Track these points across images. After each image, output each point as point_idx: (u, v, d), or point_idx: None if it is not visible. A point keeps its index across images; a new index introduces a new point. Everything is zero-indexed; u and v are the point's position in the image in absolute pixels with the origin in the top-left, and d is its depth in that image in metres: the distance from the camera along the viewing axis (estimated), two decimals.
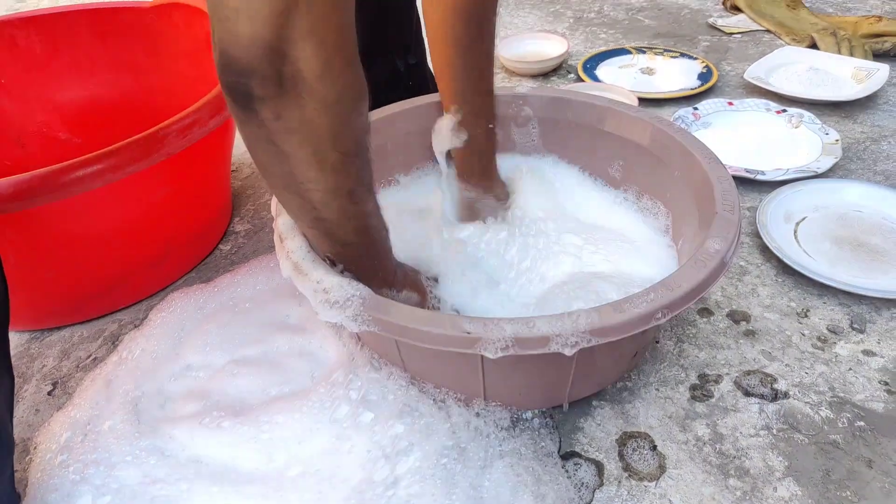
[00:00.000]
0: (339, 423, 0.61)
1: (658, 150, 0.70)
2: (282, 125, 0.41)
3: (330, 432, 0.60)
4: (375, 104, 0.79)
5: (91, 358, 0.76)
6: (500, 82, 1.27)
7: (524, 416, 0.62)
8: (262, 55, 0.38)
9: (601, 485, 0.56)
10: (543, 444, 0.60)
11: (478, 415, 0.61)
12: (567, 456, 0.59)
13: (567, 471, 0.57)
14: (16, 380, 0.73)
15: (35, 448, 0.64)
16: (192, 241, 0.86)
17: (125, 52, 1.03)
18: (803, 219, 0.83)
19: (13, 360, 0.75)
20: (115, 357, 0.74)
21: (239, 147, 1.11)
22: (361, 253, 0.54)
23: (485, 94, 0.72)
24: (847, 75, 1.12)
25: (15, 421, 0.60)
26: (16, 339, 0.79)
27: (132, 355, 0.74)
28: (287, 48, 0.38)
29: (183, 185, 0.80)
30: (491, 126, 0.73)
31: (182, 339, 0.75)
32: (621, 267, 0.68)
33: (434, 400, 0.62)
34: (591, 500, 0.55)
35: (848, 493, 0.55)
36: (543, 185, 0.76)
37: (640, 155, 0.73)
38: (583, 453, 0.59)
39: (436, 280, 0.67)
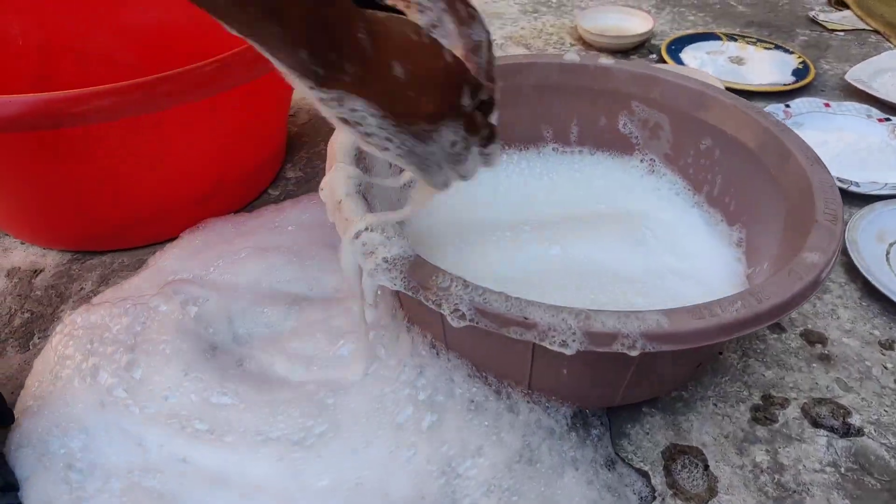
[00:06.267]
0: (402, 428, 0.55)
1: (757, 146, 0.63)
2: None
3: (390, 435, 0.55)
4: None
5: None
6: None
7: (580, 415, 0.57)
8: None
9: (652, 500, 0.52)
10: (605, 450, 0.55)
11: (545, 410, 0.57)
12: (611, 463, 0.54)
13: (627, 483, 0.53)
14: (53, 299, 0.72)
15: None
16: (241, 181, 0.84)
17: None
18: None
19: (54, 278, 0.75)
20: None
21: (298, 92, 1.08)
22: None
23: None
24: None
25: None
26: (58, 258, 0.78)
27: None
28: None
29: (239, 124, 0.77)
30: None
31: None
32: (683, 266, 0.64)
33: (498, 393, 0.57)
34: None
35: None
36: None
37: (731, 148, 0.66)
38: (627, 461, 0.54)
39: None
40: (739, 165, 0.65)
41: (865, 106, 0.97)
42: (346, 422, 0.55)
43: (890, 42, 1.21)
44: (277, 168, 0.92)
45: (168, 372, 0.60)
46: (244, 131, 0.80)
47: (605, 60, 0.74)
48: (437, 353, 0.59)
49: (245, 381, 0.60)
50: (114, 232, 0.78)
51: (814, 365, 0.63)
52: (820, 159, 0.58)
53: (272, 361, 0.63)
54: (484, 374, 0.57)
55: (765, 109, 0.96)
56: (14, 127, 0.60)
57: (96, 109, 0.61)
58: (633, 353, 0.42)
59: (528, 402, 0.57)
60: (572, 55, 0.74)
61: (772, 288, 0.45)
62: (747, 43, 1.19)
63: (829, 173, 0.56)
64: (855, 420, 0.58)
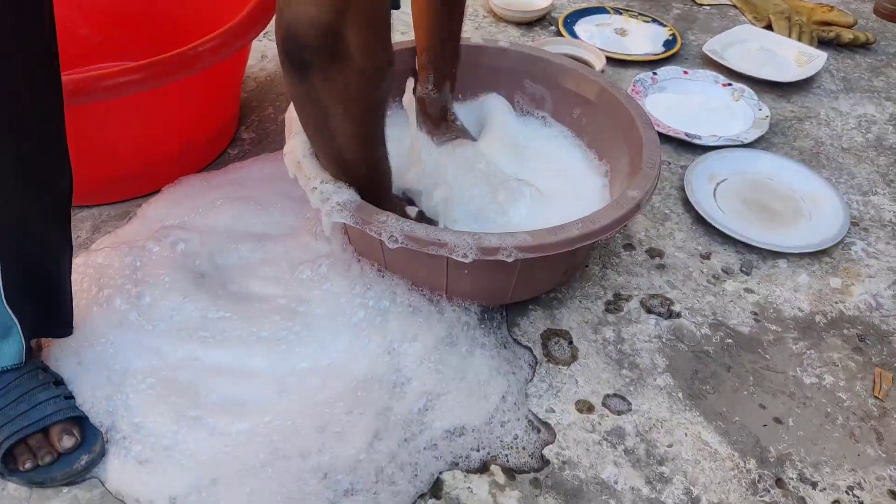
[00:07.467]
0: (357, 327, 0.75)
1: (607, 109, 0.85)
2: (326, 86, 0.55)
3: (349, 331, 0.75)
4: None
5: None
6: (488, 26, 1.39)
7: (487, 311, 0.79)
8: (319, 34, 0.51)
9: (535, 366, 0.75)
10: (503, 334, 0.77)
11: (464, 311, 0.78)
12: (507, 343, 0.77)
13: (519, 356, 0.75)
14: None
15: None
16: (206, 143, 1.00)
17: None
18: (723, 180, 1.00)
19: None
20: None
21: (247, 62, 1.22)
22: (369, 186, 0.69)
23: (455, 41, 0.88)
24: (791, 58, 1.27)
25: None
26: None
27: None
28: (341, 31, 0.51)
29: (204, 96, 0.93)
30: (454, 69, 0.89)
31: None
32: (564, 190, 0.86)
33: (430, 301, 0.77)
34: (532, 377, 0.73)
35: (708, 387, 0.74)
36: (506, 128, 0.92)
37: (594, 115, 0.88)
38: (518, 341, 0.77)
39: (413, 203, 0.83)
40: (601, 125, 0.87)
41: (714, 73, 1.21)
42: (314, 323, 0.75)
43: (745, 17, 1.45)
44: (234, 130, 1.08)
45: (170, 297, 0.77)
46: (209, 101, 0.95)
47: (503, 43, 0.93)
48: (382, 276, 0.79)
49: (231, 299, 0.79)
50: (102, 189, 0.94)
51: (652, 272, 0.86)
52: (651, 123, 0.80)
53: (248, 283, 0.82)
54: (420, 288, 0.78)
55: (637, 76, 1.19)
56: None
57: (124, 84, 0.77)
58: (510, 260, 0.63)
59: (452, 306, 0.78)
60: (477, 38, 0.93)
61: (603, 214, 0.67)
62: (630, 16, 1.40)
63: (656, 133, 0.78)
64: (676, 307, 0.82)
